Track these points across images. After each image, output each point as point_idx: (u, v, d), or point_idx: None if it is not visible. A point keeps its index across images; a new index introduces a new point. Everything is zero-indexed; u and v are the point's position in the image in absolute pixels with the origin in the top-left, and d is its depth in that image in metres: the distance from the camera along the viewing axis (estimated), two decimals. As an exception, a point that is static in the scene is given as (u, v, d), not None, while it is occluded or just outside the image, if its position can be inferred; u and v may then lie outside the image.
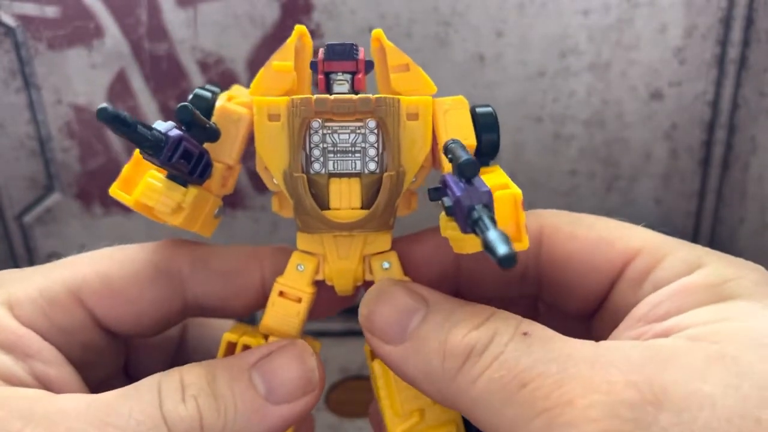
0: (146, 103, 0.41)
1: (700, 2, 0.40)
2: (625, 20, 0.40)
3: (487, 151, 0.27)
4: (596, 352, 0.22)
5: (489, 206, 0.22)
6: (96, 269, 0.28)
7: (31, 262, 0.45)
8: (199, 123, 0.25)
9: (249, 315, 0.31)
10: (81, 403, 0.24)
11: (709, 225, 0.46)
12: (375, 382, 0.29)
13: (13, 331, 0.26)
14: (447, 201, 0.23)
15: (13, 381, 0.25)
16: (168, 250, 0.29)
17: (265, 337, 0.28)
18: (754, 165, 0.42)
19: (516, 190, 0.24)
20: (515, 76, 0.41)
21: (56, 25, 0.39)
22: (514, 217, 0.24)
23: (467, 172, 0.22)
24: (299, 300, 0.28)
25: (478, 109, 0.27)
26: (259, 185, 0.42)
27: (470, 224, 0.21)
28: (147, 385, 0.25)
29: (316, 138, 0.27)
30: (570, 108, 0.42)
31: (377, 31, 0.27)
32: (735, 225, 0.44)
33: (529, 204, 0.45)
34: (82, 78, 0.41)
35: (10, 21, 0.39)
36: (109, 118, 0.22)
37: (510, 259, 0.19)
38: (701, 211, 0.45)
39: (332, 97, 0.26)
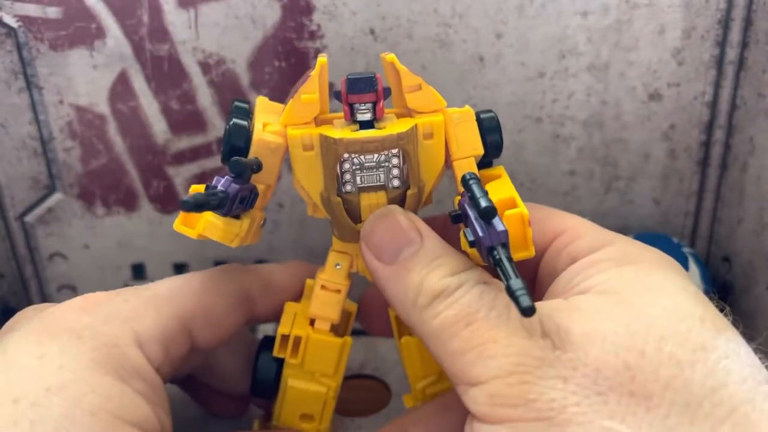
0: (148, 103, 0.41)
1: (699, 4, 0.40)
2: (624, 21, 0.40)
3: (491, 151, 0.31)
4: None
5: (506, 245, 0.25)
6: (199, 303, 0.31)
7: (33, 262, 0.46)
8: (248, 171, 0.29)
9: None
10: None
11: (707, 225, 0.46)
12: (401, 353, 0.34)
13: (150, 380, 0.28)
14: (469, 235, 0.27)
15: None
16: (241, 276, 0.33)
17: (311, 321, 0.33)
18: (753, 165, 0.42)
19: (523, 210, 0.28)
20: (515, 76, 0.41)
21: (58, 25, 0.39)
22: (522, 232, 0.28)
23: (487, 217, 0.25)
24: (338, 291, 0.32)
25: (482, 115, 0.31)
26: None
27: (492, 263, 0.25)
28: None
29: (347, 165, 0.30)
30: (569, 108, 0.42)
31: (391, 56, 0.31)
32: (733, 225, 0.44)
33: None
34: (83, 79, 0.41)
35: (11, 22, 0.39)
36: (193, 207, 0.26)
37: (530, 311, 0.23)
38: (699, 211, 0.46)
39: (362, 137, 0.29)
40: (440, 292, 0.27)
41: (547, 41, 0.41)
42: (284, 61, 0.41)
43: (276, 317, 0.34)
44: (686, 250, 0.44)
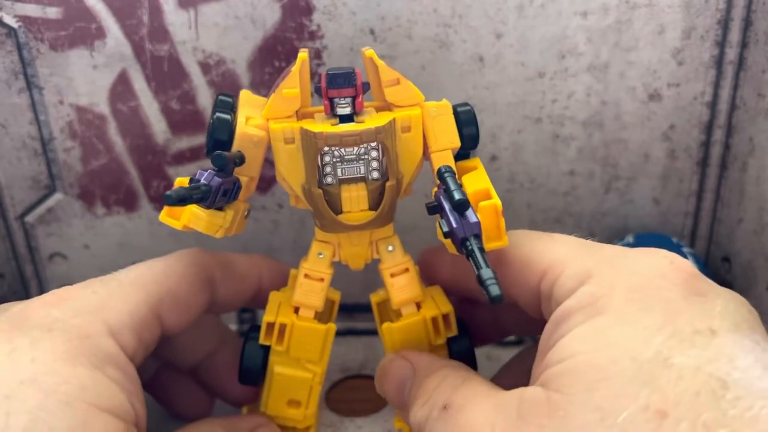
0: (148, 103, 0.41)
1: (699, 4, 0.40)
2: (624, 21, 0.40)
3: (468, 143, 0.32)
4: (480, 423, 0.26)
5: (478, 236, 0.26)
6: (165, 287, 0.32)
7: (33, 262, 0.46)
8: (231, 164, 0.29)
9: (240, 308, 0.38)
10: None
11: (707, 225, 0.46)
12: (383, 339, 0.35)
13: (124, 368, 0.28)
14: (444, 226, 0.27)
15: (129, 423, 0.27)
16: (203, 259, 0.34)
17: (296, 309, 0.34)
18: (752, 166, 0.42)
19: (496, 201, 0.29)
20: (514, 77, 0.41)
21: (58, 26, 0.39)
22: (495, 222, 0.29)
23: (460, 209, 0.26)
24: (322, 279, 0.33)
25: (459, 108, 0.32)
26: (261, 186, 0.43)
27: (464, 253, 0.26)
28: None
29: (327, 158, 0.31)
30: (569, 109, 0.42)
31: (370, 52, 0.31)
32: (733, 225, 0.44)
33: (527, 204, 0.46)
34: (84, 79, 0.41)
35: (11, 22, 0.39)
36: (175, 201, 0.26)
37: (498, 299, 0.24)
38: (699, 212, 0.46)
39: (340, 131, 0.30)
40: (418, 427, 0.29)
41: (547, 41, 0.41)
42: (284, 61, 0.41)
43: (236, 303, 0.36)
44: (686, 250, 0.44)
